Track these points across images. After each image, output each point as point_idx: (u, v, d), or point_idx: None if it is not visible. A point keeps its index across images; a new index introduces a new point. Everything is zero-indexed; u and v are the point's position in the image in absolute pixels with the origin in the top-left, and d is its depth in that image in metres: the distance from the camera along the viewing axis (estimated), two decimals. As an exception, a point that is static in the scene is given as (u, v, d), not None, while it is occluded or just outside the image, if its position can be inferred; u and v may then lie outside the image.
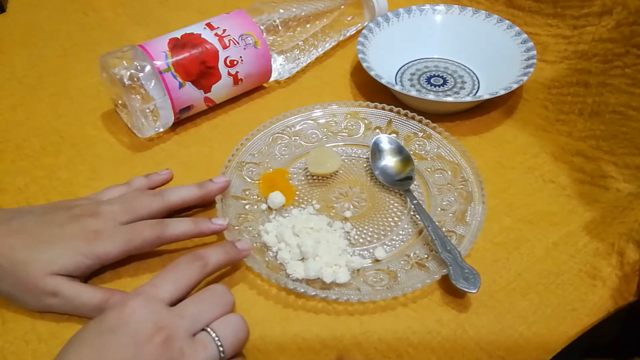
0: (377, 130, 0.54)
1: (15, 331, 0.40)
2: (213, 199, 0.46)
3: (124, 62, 0.50)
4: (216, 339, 0.35)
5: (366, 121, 0.55)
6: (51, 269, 0.39)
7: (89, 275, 0.42)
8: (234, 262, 0.42)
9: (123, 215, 0.42)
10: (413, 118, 0.53)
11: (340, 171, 0.51)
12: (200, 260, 0.39)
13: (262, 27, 0.56)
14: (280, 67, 0.59)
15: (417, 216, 0.47)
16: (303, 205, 0.48)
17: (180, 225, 0.43)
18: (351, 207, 0.48)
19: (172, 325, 0.34)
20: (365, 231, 0.46)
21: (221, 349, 0.34)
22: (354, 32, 0.67)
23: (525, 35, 0.59)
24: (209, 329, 0.35)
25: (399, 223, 0.47)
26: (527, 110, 0.57)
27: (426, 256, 0.43)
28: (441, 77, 0.61)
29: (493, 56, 0.61)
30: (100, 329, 0.33)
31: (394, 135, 0.53)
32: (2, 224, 0.40)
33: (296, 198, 0.49)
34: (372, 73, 0.55)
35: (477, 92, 0.59)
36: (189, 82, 0.52)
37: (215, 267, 0.40)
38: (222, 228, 0.44)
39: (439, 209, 0.47)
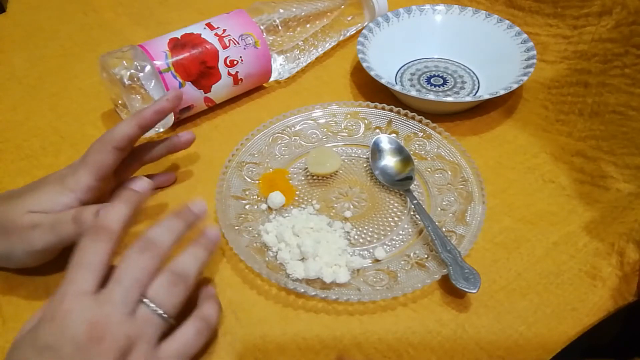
0: (377, 130, 0.54)
1: (15, 331, 0.39)
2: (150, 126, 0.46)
3: (124, 62, 0.50)
4: (155, 308, 0.34)
5: (366, 121, 0.55)
6: (27, 208, 0.39)
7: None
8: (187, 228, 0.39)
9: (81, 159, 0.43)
10: (413, 118, 0.53)
11: (340, 171, 0.51)
12: (147, 250, 0.35)
13: (262, 27, 0.56)
14: (280, 67, 0.59)
15: (417, 216, 0.47)
16: (303, 205, 0.48)
17: (121, 126, 0.43)
18: (351, 207, 0.48)
19: (106, 317, 0.32)
20: (365, 231, 0.46)
21: (165, 315, 0.34)
22: (354, 32, 0.67)
23: (525, 35, 0.59)
24: (145, 300, 0.34)
25: (399, 223, 0.47)
26: (527, 110, 0.57)
27: (426, 256, 0.43)
28: (441, 77, 0.61)
29: (493, 56, 0.61)
30: (37, 346, 0.31)
31: (394, 135, 0.53)
32: None
33: (296, 198, 0.49)
34: (372, 73, 0.55)
35: (477, 92, 0.59)
36: (189, 82, 0.52)
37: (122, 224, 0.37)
38: (161, 107, 0.45)
39: (439, 209, 0.47)
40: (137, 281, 0.34)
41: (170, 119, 0.53)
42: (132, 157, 0.46)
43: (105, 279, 0.34)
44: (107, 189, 0.45)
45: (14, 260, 0.41)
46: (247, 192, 0.49)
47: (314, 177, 0.51)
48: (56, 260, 0.41)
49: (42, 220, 0.39)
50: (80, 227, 0.39)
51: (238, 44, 0.54)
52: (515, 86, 0.53)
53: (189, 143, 0.49)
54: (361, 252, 0.44)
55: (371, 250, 0.45)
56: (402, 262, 0.43)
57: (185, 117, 0.55)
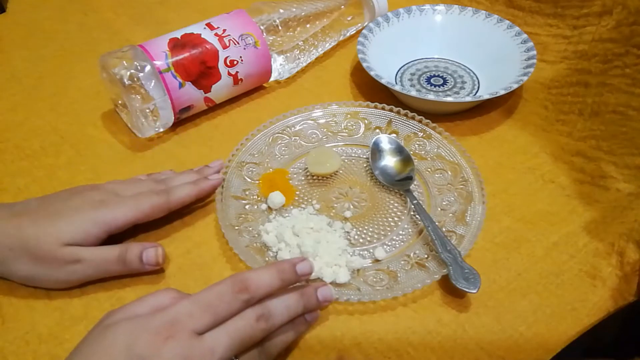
0: (377, 130, 0.54)
1: (15, 331, 0.40)
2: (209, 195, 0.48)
3: (124, 62, 0.50)
4: None
5: (366, 121, 0.55)
6: (62, 240, 0.39)
7: None
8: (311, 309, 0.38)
9: (124, 191, 0.44)
10: (413, 118, 0.53)
11: (340, 171, 0.51)
12: (263, 318, 0.34)
13: (262, 27, 0.56)
14: (280, 67, 0.59)
15: (417, 216, 0.47)
16: (303, 205, 0.48)
17: (183, 190, 0.45)
18: (351, 207, 0.48)
19: None
20: (365, 231, 0.46)
21: None
22: (354, 32, 0.67)
23: (525, 35, 0.59)
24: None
25: (399, 223, 0.47)
26: (527, 110, 0.57)
27: (426, 256, 0.43)
28: (441, 77, 0.61)
29: (493, 56, 0.61)
30: (132, 351, 0.31)
31: (394, 135, 0.53)
32: (5, 208, 0.41)
33: (296, 198, 0.49)
34: (372, 73, 0.55)
35: (477, 92, 0.59)
36: (189, 82, 0.52)
37: (283, 321, 0.36)
38: (219, 182, 0.47)
39: (439, 209, 0.47)
40: (242, 345, 0.33)
41: (171, 118, 0.53)
42: None
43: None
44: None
45: (39, 283, 0.41)
46: (247, 192, 0.49)
47: (314, 177, 0.51)
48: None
49: (84, 255, 0.40)
50: (126, 268, 0.42)
51: (238, 44, 0.54)
52: (515, 86, 0.53)
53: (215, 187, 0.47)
54: (361, 252, 0.44)
55: (371, 250, 0.45)
56: (402, 262, 0.43)
57: (185, 117, 0.55)
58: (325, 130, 0.54)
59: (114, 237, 0.43)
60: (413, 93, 0.53)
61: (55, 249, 0.39)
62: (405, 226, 0.47)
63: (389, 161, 0.51)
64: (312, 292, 0.37)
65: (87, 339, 0.33)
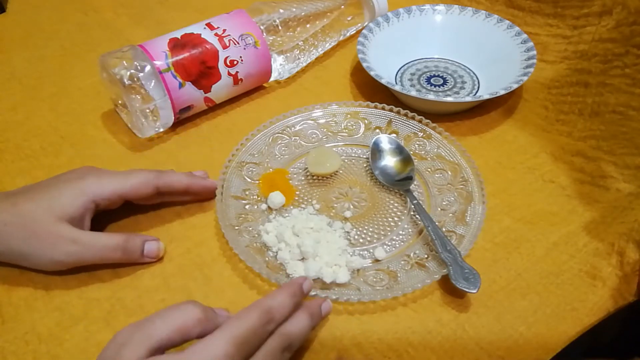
0: (377, 130, 0.54)
1: (15, 331, 0.40)
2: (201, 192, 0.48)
3: (124, 62, 0.50)
4: None
5: (366, 121, 0.55)
6: (54, 213, 0.40)
7: None
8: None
9: (117, 173, 0.44)
10: (413, 118, 0.53)
11: (340, 171, 0.51)
12: (287, 349, 0.34)
13: (262, 27, 0.56)
14: (280, 67, 0.59)
15: (417, 216, 0.47)
16: (303, 205, 0.48)
17: (174, 175, 0.45)
18: (351, 207, 0.48)
19: None
20: (365, 231, 0.46)
21: None
22: (354, 32, 0.67)
23: (525, 35, 0.59)
24: None
25: (399, 223, 0.47)
26: (527, 110, 0.57)
27: (426, 256, 0.43)
28: (441, 77, 0.61)
29: (493, 56, 0.61)
30: None
31: (394, 135, 0.53)
32: (1, 193, 0.42)
33: (296, 198, 0.49)
34: (372, 73, 0.55)
35: (477, 92, 0.59)
36: (189, 82, 0.52)
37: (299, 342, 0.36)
38: (212, 183, 0.47)
39: (439, 209, 0.47)
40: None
41: (171, 118, 0.53)
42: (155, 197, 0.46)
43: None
44: (115, 207, 0.45)
45: (33, 261, 0.41)
46: (247, 192, 0.49)
47: (314, 177, 0.51)
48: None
49: (81, 238, 0.41)
50: (126, 256, 0.42)
51: (238, 44, 0.54)
52: (515, 86, 0.53)
53: (212, 190, 0.48)
54: (361, 252, 0.44)
55: (371, 250, 0.45)
56: (402, 262, 0.43)
57: (185, 117, 0.55)
58: (325, 130, 0.54)
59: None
60: (413, 93, 0.53)
61: (51, 224, 0.40)
62: (405, 226, 0.47)
63: (389, 161, 0.51)
64: (318, 311, 0.38)
65: None
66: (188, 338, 0.32)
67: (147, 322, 0.32)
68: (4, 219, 0.40)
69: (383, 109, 0.55)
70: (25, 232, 0.40)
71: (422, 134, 0.53)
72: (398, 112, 0.54)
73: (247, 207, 0.47)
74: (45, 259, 0.41)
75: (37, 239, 0.40)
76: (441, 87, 0.60)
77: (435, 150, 0.51)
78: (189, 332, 0.32)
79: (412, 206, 0.47)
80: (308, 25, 0.60)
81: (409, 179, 0.49)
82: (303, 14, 0.59)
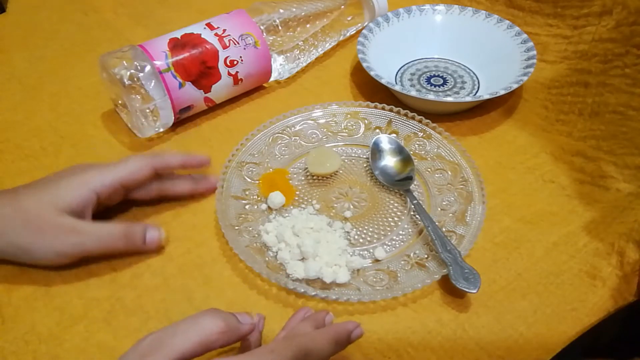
0: (377, 130, 0.54)
1: (15, 331, 0.40)
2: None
3: (124, 62, 0.50)
4: None
5: (366, 121, 0.55)
6: (57, 206, 0.40)
7: None
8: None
9: (115, 162, 0.44)
10: (413, 118, 0.53)
11: (340, 171, 0.51)
12: None
13: (262, 27, 0.56)
14: (280, 67, 0.59)
15: (417, 216, 0.47)
16: (303, 205, 0.48)
17: (169, 153, 0.46)
18: (351, 207, 0.48)
19: None
20: (365, 231, 0.46)
21: None
22: (354, 32, 0.67)
23: (525, 35, 0.59)
24: None
25: (399, 223, 0.47)
26: (527, 110, 0.57)
27: (426, 256, 0.43)
28: (441, 77, 0.61)
29: (493, 56, 0.61)
30: None
31: (394, 135, 0.53)
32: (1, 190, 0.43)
33: (296, 198, 0.49)
34: (372, 73, 0.55)
35: (477, 92, 0.59)
36: (189, 82, 0.52)
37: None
38: (207, 161, 0.48)
39: (439, 209, 0.47)
40: None
41: (171, 118, 0.53)
42: (154, 184, 0.47)
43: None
44: (115, 200, 0.45)
45: (37, 255, 0.41)
46: (247, 192, 0.49)
47: (314, 177, 0.51)
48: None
49: (84, 228, 0.41)
50: (130, 244, 0.43)
51: (238, 44, 0.54)
52: (515, 86, 0.53)
53: (206, 165, 0.49)
54: (361, 252, 0.44)
55: (371, 250, 0.45)
56: (402, 262, 0.43)
57: (185, 117, 0.55)
58: (325, 130, 0.54)
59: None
60: (413, 93, 0.53)
61: (54, 216, 0.40)
62: (405, 226, 0.47)
63: (389, 161, 0.51)
64: (345, 335, 0.35)
65: None
66: (211, 349, 0.31)
67: (169, 334, 0.31)
68: (5, 213, 0.40)
69: (383, 109, 0.55)
70: (27, 225, 0.40)
71: (422, 134, 0.53)
72: (398, 112, 0.54)
73: (247, 207, 0.47)
74: (49, 251, 0.41)
75: (39, 232, 0.40)
76: (441, 87, 0.60)
77: (435, 150, 0.51)
78: (211, 345, 0.31)
79: (412, 206, 0.47)
80: (308, 25, 0.60)
81: (409, 179, 0.49)
82: (303, 14, 0.59)
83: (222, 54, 0.53)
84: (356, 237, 0.46)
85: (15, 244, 0.40)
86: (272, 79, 0.59)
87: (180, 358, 0.30)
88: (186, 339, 0.31)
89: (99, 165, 0.44)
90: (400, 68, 0.63)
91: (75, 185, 0.42)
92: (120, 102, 0.54)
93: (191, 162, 0.48)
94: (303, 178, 0.51)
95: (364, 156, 0.53)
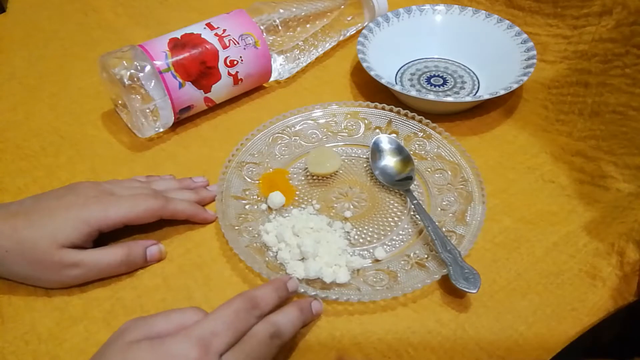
0: (377, 130, 0.54)
1: (15, 331, 0.40)
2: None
3: (124, 62, 0.50)
4: None
5: (366, 121, 0.55)
6: (57, 241, 0.39)
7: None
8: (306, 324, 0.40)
9: (121, 190, 0.44)
10: (413, 118, 0.53)
11: (340, 171, 0.51)
12: (276, 336, 0.35)
13: (262, 27, 0.56)
14: (280, 67, 0.59)
15: (417, 216, 0.47)
16: (303, 205, 0.48)
17: (181, 204, 0.45)
18: (351, 207, 0.48)
19: None
20: (365, 231, 0.46)
21: None
22: (354, 32, 0.67)
23: (525, 35, 0.59)
24: None
25: (399, 223, 0.47)
26: (527, 110, 0.57)
27: (426, 256, 0.43)
28: (441, 77, 0.61)
29: (493, 56, 0.60)
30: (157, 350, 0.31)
31: (394, 135, 0.53)
32: (1, 209, 0.41)
33: (296, 198, 0.49)
34: (372, 73, 0.55)
35: (477, 92, 0.59)
36: (189, 82, 0.52)
37: (290, 336, 0.37)
38: (213, 218, 0.47)
39: (439, 209, 0.47)
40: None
41: (171, 118, 0.53)
42: None
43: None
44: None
45: (39, 283, 0.42)
46: (247, 192, 0.49)
47: (314, 177, 0.51)
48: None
49: (84, 259, 0.41)
50: (130, 269, 0.43)
51: (238, 44, 0.54)
52: (515, 86, 0.53)
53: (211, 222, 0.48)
54: (361, 252, 0.44)
55: (371, 250, 0.45)
56: (402, 262, 0.43)
57: (185, 117, 0.55)
58: (325, 130, 0.54)
59: (109, 235, 0.43)
60: (413, 93, 0.53)
61: (52, 252, 0.39)
62: (405, 226, 0.47)
63: (389, 161, 0.51)
64: (308, 307, 0.39)
65: (107, 356, 0.32)
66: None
67: (149, 317, 0.34)
68: (5, 246, 0.39)
69: (383, 109, 0.55)
70: (27, 259, 0.39)
71: (422, 134, 0.53)
72: (398, 112, 0.54)
73: (247, 207, 0.47)
74: (50, 282, 0.41)
75: (40, 266, 0.40)
76: (441, 87, 0.60)
77: (435, 150, 0.51)
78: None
79: (412, 206, 0.47)
80: (308, 25, 0.60)
81: (409, 179, 0.49)
82: (303, 14, 0.59)
83: (222, 54, 0.53)
84: (356, 237, 0.46)
85: (18, 274, 0.41)
86: (272, 79, 0.59)
87: (157, 336, 0.32)
88: (165, 321, 0.34)
89: (105, 200, 0.42)
90: (400, 68, 0.63)
91: (77, 222, 0.40)
92: (120, 102, 0.54)
93: (196, 220, 0.47)
94: (303, 178, 0.51)
95: (364, 156, 0.53)
